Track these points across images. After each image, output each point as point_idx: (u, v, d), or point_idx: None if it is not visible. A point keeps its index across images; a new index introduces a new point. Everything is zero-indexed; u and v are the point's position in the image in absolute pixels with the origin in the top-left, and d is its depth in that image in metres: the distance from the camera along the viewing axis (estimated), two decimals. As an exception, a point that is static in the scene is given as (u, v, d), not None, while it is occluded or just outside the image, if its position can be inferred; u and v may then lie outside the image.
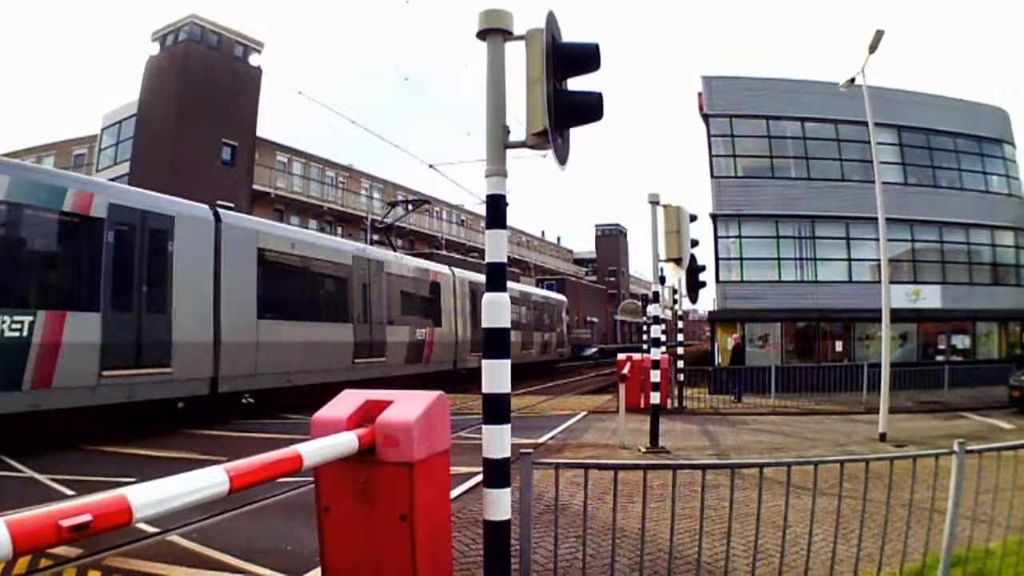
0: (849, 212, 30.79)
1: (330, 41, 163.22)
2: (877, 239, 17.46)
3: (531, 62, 4.83)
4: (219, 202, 40.84)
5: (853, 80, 17.82)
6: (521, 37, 4.92)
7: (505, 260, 4.94)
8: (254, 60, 46.83)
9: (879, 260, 17.49)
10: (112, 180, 41.38)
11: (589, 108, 5.09)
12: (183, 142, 40.84)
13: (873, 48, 16.52)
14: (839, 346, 31.61)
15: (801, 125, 32.40)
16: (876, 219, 17.00)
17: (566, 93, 5.08)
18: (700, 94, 32.75)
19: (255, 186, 46.89)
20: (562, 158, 5.05)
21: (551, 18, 5.01)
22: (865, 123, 18.24)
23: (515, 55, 4.92)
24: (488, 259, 4.92)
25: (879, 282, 17.39)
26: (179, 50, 43.20)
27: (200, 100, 42.01)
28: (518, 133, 4.87)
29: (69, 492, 9.47)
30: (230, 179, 43.77)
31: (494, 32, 4.91)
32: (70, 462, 11.87)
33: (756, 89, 32.67)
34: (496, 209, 4.85)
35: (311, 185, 54.18)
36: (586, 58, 5.15)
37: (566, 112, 4.98)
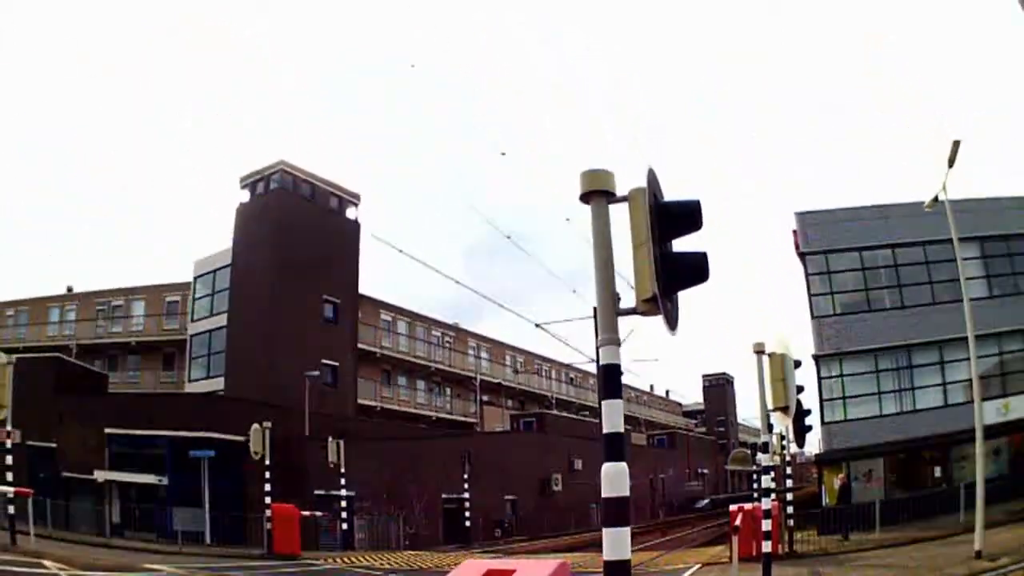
0: (942, 335, 30.09)
1: (428, 197, 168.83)
2: (968, 359, 17.07)
3: (635, 224, 4.85)
4: (323, 361, 41.04)
5: (936, 199, 17.67)
6: (624, 198, 4.96)
7: (622, 429, 4.86)
8: (351, 213, 46.62)
9: (971, 380, 17.10)
10: (210, 332, 42.62)
11: (696, 270, 5.08)
12: (282, 297, 40.07)
13: (952, 162, 16.44)
14: (937, 471, 30.78)
15: (892, 252, 32.31)
16: (966, 339, 16.85)
17: (672, 256, 5.09)
18: (795, 232, 32.94)
19: (360, 345, 46.34)
20: (672, 324, 4.99)
21: (652, 176, 5.04)
22: (950, 240, 18.13)
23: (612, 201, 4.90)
24: (605, 429, 4.84)
25: (971, 402, 17.00)
26: (271, 200, 42.78)
27: (297, 253, 41.04)
28: (624, 291, 4.85)
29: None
30: (334, 337, 43.08)
31: (597, 194, 4.97)
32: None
33: (847, 220, 32.88)
34: (611, 378, 4.80)
35: (417, 344, 53.84)
36: (689, 217, 5.17)
37: (674, 276, 4.98)
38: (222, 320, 42.60)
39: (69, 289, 53.88)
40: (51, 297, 52.87)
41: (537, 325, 29.82)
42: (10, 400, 18.21)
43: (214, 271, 44.39)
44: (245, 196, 44.30)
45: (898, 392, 31.35)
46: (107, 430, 30.95)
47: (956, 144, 16.29)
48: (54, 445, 30.68)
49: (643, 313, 4.72)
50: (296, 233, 41.50)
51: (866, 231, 32.32)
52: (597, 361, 5.13)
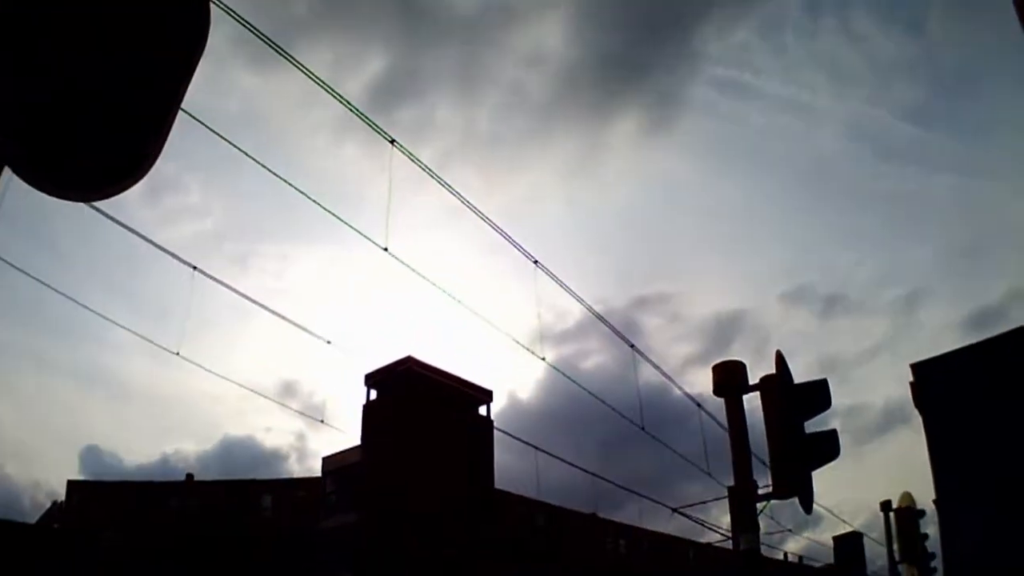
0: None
1: (558, 390, 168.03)
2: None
3: (768, 411, 5.02)
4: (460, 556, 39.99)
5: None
6: (756, 387, 5.11)
7: (763, 609, 4.83)
8: (482, 410, 46.31)
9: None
10: (341, 527, 42.54)
11: (828, 449, 5.14)
12: (415, 494, 39.73)
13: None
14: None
15: (1002, 384, 31.45)
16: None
17: (805, 438, 5.17)
18: (912, 384, 32.46)
19: (498, 539, 44.86)
20: (807, 504, 5.03)
21: (780, 359, 5.19)
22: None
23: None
24: (747, 607, 4.83)
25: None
26: (399, 398, 42.84)
27: (429, 451, 40.93)
28: (758, 467, 4.93)
29: None
30: (470, 533, 42.00)
31: (730, 387, 5.12)
32: None
33: (960, 366, 32.65)
34: (750, 563, 4.83)
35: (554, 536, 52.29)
36: (819, 397, 5.28)
37: (808, 457, 5.05)
38: (354, 517, 42.37)
39: (189, 477, 55.16)
40: (169, 483, 54.03)
41: (674, 510, 29.41)
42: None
43: (342, 468, 44.88)
44: (369, 393, 44.97)
45: (1018, 519, 30.26)
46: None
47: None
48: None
49: (779, 497, 4.80)
50: (427, 431, 41.50)
51: (977, 368, 32.01)
52: (735, 542, 5.13)
